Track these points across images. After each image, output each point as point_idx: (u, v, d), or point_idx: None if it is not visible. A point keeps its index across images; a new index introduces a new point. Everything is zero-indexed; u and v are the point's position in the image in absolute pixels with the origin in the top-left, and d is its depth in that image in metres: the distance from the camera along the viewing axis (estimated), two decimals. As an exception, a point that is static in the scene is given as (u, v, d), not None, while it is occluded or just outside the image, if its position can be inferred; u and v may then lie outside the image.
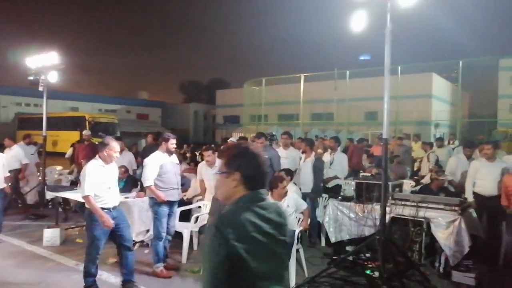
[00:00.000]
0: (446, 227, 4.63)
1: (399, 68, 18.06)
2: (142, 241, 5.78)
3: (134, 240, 5.68)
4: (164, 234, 4.83)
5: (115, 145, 4.25)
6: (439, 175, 6.05)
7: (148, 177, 4.78)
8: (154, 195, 4.79)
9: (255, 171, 1.61)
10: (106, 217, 4.06)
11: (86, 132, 9.61)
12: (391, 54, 4.44)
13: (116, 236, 4.27)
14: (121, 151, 7.16)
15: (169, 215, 4.96)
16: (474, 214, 5.20)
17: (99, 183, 4.12)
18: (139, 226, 5.54)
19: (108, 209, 4.16)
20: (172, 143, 4.92)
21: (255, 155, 1.63)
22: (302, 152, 6.63)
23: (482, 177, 5.57)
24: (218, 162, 5.29)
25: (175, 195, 4.97)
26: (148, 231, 5.62)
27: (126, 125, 30.14)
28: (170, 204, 4.93)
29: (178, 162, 5.23)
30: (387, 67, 4.46)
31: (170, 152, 4.96)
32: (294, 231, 4.64)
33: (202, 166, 5.92)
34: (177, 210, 5.31)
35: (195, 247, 5.63)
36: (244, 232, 1.48)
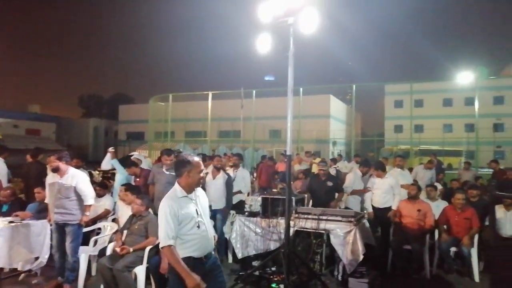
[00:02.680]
0: (343, 238, 4.96)
1: (301, 89, 19.26)
2: (30, 270, 5.14)
3: (19, 270, 5.06)
4: (53, 251, 4.82)
5: (198, 162, 3.00)
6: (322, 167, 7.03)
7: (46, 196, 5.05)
8: None
9: None
10: (194, 278, 2.70)
11: None
12: (294, 75, 4.72)
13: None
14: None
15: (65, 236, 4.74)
16: (367, 224, 5.69)
17: (184, 222, 2.84)
18: (26, 254, 4.92)
19: (200, 258, 2.91)
20: (51, 161, 4.72)
21: None
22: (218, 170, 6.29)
23: (375, 191, 6.48)
24: (138, 202, 4.86)
25: (54, 218, 4.72)
26: (37, 258, 5.03)
27: (12, 142, 26.74)
28: (58, 224, 4.74)
29: (70, 184, 4.68)
30: (290, 88, 4.71)
31: (56, 171, 4.72)
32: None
33: (119, 204, 5.61)
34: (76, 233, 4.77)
35: (93, 272, 5.18)
36: None
